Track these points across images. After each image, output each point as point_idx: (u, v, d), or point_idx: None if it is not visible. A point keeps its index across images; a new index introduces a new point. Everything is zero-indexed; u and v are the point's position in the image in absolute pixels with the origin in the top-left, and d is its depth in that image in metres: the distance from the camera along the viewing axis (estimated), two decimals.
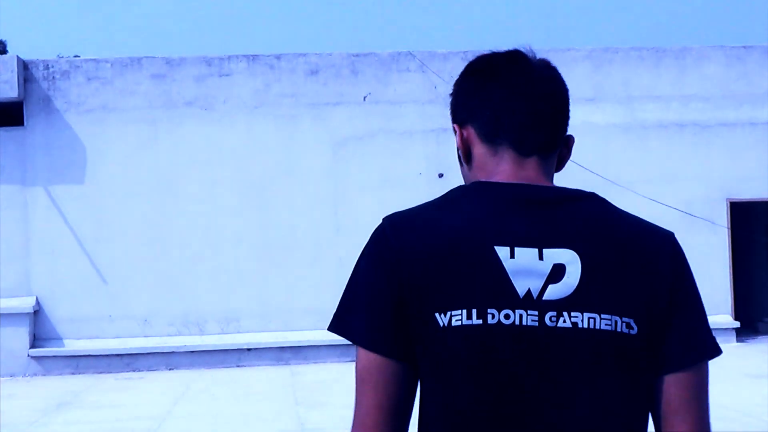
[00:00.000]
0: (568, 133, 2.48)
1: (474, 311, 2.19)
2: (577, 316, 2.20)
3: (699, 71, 19.21)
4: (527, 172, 2.35)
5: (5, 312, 17.69)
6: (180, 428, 12.13)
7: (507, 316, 2.19)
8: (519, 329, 2.19)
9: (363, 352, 2.27)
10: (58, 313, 18.05)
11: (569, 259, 2.22)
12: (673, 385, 2.29)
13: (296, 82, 18.50)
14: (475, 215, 2.28)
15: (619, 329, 2.22)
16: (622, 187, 18.74)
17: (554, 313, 2.20)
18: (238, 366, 17.93)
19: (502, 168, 2.36)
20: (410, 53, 18.64)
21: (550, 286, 2.21)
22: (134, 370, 17.82)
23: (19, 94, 17.68)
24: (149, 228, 18.22)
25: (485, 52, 2.50)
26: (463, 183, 2.47)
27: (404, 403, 2.26)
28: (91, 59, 18.45)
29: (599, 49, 19.05)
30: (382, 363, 2.24)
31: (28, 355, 17.70)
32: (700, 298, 2.49)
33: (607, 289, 2.23)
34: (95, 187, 18.16)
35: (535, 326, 2.19)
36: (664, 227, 2.43)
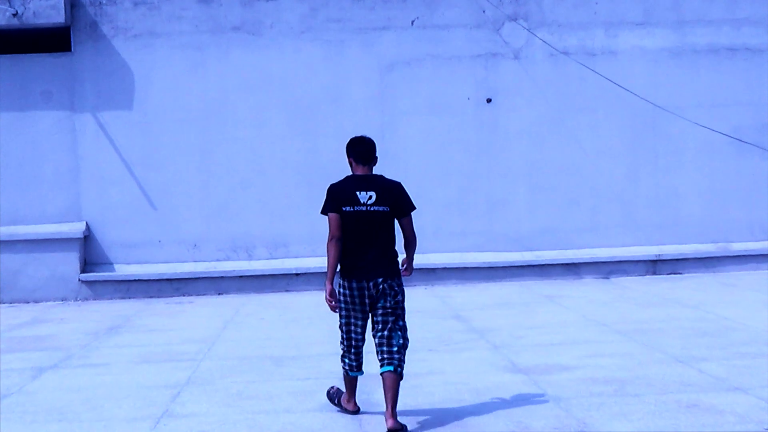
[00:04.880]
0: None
1: (351, 207, 8.34)
2: (376, 207, 8.33)
3: None
4: (364, 171, 8.53)
5: (56, 237, 17.89)
6: (229, 351, 12.25)
7: (360, 208, 8.33)
8: (362, 212, 8.33)
9: (330, 213, 8.39)
10: (108, 239, 18.23)
11: (373, 194, 8.36)
12: (404, 221, 8.51)
13: (343, 7, 18.40)
14: (351, 183, 8.46)
15: (385, 210, 8.37)
16: (671, 113, 18.59)
17: (371, 207, 8.33)
18: (287, 291, 18.06)
19: (358, 170, 8.54)
20: None
21: (369, 200, 8.32)
22: (184, 295, 18.01)
23: (66, 20, 17.70)
24: (198, 153, 18.30)
25: (356, 136, 8.80)
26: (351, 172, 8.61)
27: (342, 226, 8.36)
28: None
29: None
30: (335, 215, 8.37)
31: (79, 280, 17.92)
32: (409, 198, 8.59)
33: (382, 200, 8.35)
34: (143, 112, 18.23)
35: (364, 210, 8.32)
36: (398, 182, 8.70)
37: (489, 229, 18.57)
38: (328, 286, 8.44)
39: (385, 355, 8.35)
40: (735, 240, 18.85)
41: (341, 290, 8.47)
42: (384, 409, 8.40)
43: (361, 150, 8.59)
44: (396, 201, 8.46)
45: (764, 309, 14.02)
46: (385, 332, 8.39)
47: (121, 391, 10.22)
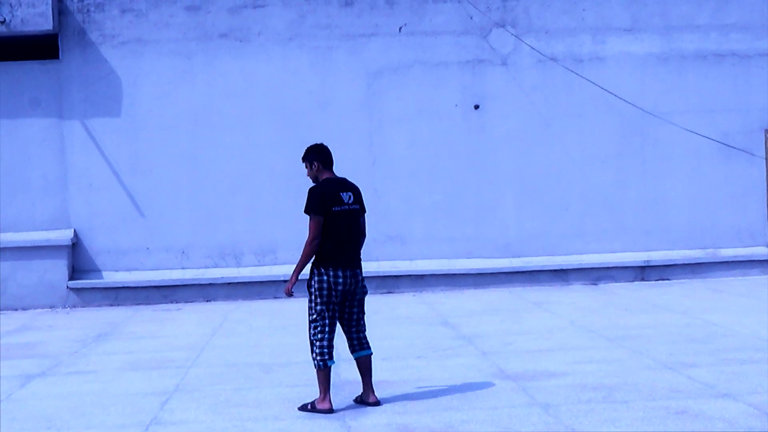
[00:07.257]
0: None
1: (339, 207, 9.23)
2: (354, 206, 9.38)
3: (739, 0, 18.96)
4: (331, 174, 9.48)
5: (44, 244, 17.85)
6: (218, 358, 12.24)
7: (344, 207, 9.27)
8: (346, 210, 9.28)
9: (317, 216, 9.14)
10: (96, 246, 18.21)
11: (351, 195, 9.39)
12: (363, 218, 9.56)
13: (331, 13, 18.41)
14: (333, 185, 9.35)
15: (357, 208, 9.43)
16: (660, 118, 18.62)
17: (351, 206, 9.34)
18: (275, 297, 18.03)
19: (326, 174, 9.46)
20: None
21: (349, 200, 9.33)
22: (172, 302, 17.98)
23: (54, 27, 17.69)
24: (186, 160, 18.29)
25: (316, 143, 9.72)
26: (318, 177, 9.51)
27: (330, 224, 9.19)
28: None
29: None
30: (320, 218, 9.15)
31: (67, 287, 17.88)
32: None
33: (355, 199, 9.43)
34: (131, 119, 18.21)
35: (348, 209, 9.30)
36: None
37: (477, 236, 18.58)
38: (295, 279, 9.32)
39: (363, 341, 9.54)
40: (723, 246, 18.89)
41: (326, 279, 9.26)
42: (357, 394, 9.69)
43: (329, 155, 9.62)
44: (361, 200, 9.61)
45: (752, 315, 14.04)
46: (361, 321, 9.54)
47: (109, 399, 10.20)
